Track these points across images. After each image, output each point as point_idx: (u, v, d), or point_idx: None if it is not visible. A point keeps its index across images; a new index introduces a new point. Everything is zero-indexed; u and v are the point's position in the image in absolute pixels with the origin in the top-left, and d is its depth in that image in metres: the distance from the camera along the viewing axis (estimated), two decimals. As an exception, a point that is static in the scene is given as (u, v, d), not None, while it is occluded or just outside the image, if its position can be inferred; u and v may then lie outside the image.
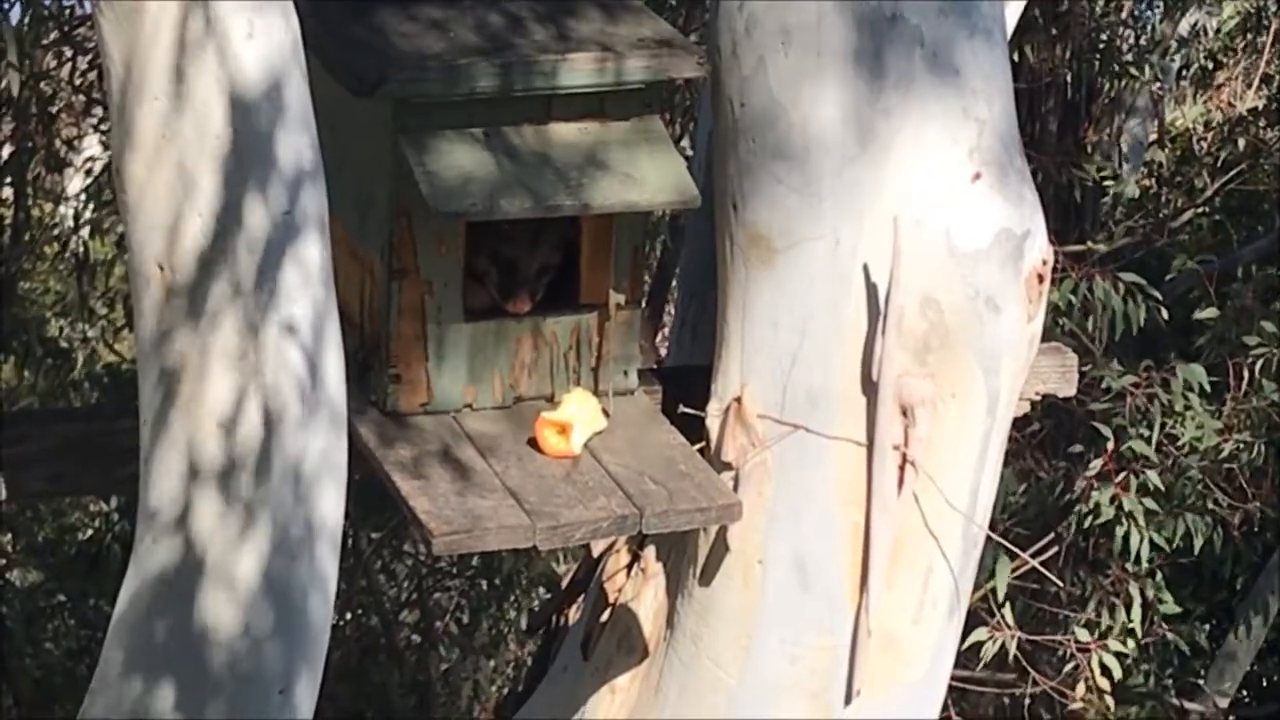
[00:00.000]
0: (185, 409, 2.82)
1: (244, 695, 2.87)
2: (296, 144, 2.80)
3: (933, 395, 3.55)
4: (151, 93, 2.75)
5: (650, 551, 3.89)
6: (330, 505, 2.88)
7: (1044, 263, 3.59)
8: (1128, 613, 6.28)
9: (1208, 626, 7.48)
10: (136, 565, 2.90)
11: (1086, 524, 6.14)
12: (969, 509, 3.64)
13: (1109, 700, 6.20)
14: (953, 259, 3.52)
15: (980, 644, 5.95)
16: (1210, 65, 8.55)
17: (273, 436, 2.81)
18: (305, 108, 2.82)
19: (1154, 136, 8.19)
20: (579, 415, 3.50)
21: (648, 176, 3.47)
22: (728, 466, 3.60)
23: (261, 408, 2.80)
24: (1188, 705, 7.02)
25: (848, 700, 3.64)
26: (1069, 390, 4.05)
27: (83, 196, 7.91)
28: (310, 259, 2.83)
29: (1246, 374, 6.43)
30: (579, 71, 3.41)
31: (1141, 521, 5.99)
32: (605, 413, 3.55)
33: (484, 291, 3.56)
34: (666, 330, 7.76)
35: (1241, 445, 6.30)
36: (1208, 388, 6.12)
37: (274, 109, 2.76)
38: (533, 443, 3.50)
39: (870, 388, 3.53)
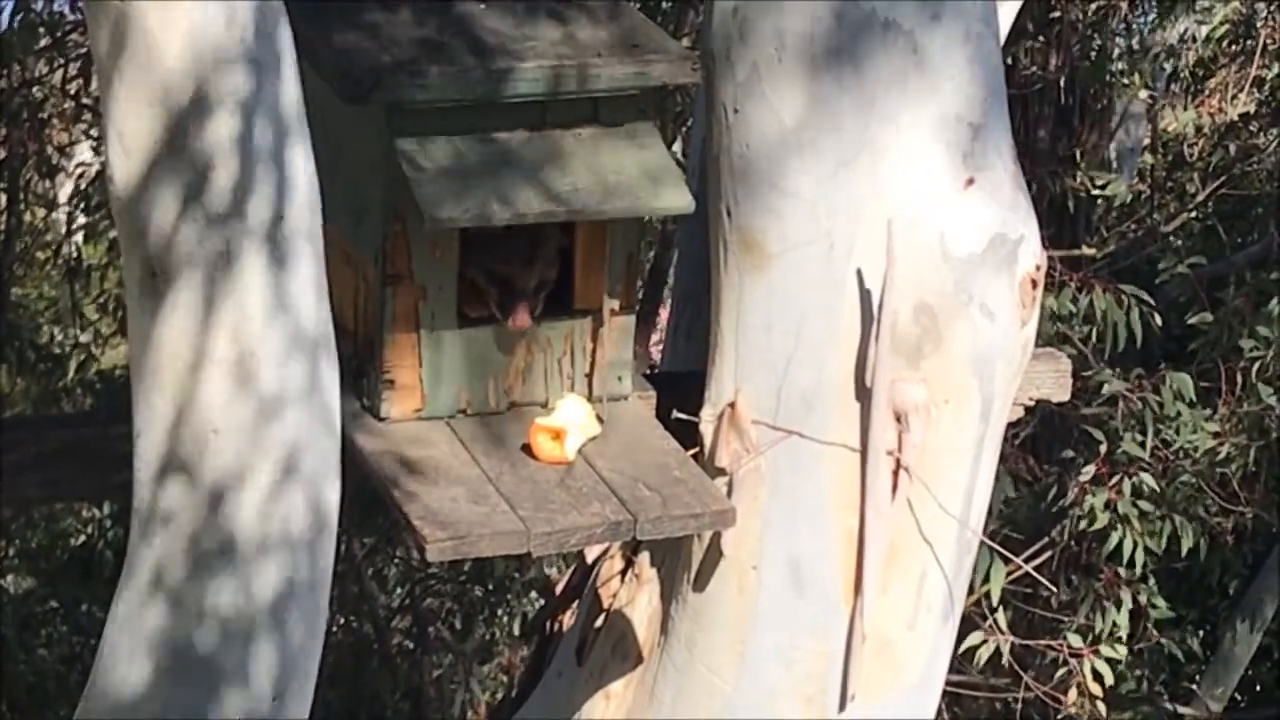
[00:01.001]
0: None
1: (231, 704, 2.87)
2: (286, 150, 2.80)
3: (926, 401, 3.55)
4: (142, 98, 2.75)
5: (644, 557, 3.89)
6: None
7: (1037, 268, 3.59)
8: (1118, 610, 6.28)
9: (1201, 633, 7.49)
10: (129, 572, 2.90)
11: (1080, 527, 6.15)
12: (963, 514, 3.64)
13: (1101, 707, 6.20)
14: (946, 264, 3.52)
15: (974, 648, 5.96)
16: (1200, 73, 8.56)
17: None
18: (292, 111, 2.81)
19: (1147, 142, 8.19)
20: (573, 421, 3.50)
21: (641, 182, 3.47)
22: (722, 472, 3.60)
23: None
24: (1181, 710, 7.02)
25: (842, 705, 3.64)
26: (1063, 395, 4.05)
27: (74, 202, 7.91)
28: (298, 266, 2.83)
29: (1240, 378, 6.44)
30: (573, 77, 3.41)
31: (1136, 525, 5.99)
32: (599, 419, 3.55)
33: (483, 304, 3.56)
34: (659, 335, 7.77)
35: (1235, 450, 6.31)
36: (1194, 397, 6.13)
37: (257, 112, 2.76)
38: (527, 449, 3.50)
39: (864, 393, 3.54)
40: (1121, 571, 6.40)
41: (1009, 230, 3.54)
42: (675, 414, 3.66)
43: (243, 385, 2.79)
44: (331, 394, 2.92)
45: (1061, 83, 7.67)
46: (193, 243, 2.77)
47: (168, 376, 2.80)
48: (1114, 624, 6.24)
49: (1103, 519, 6.03)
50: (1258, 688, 7.76)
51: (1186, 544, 6.15)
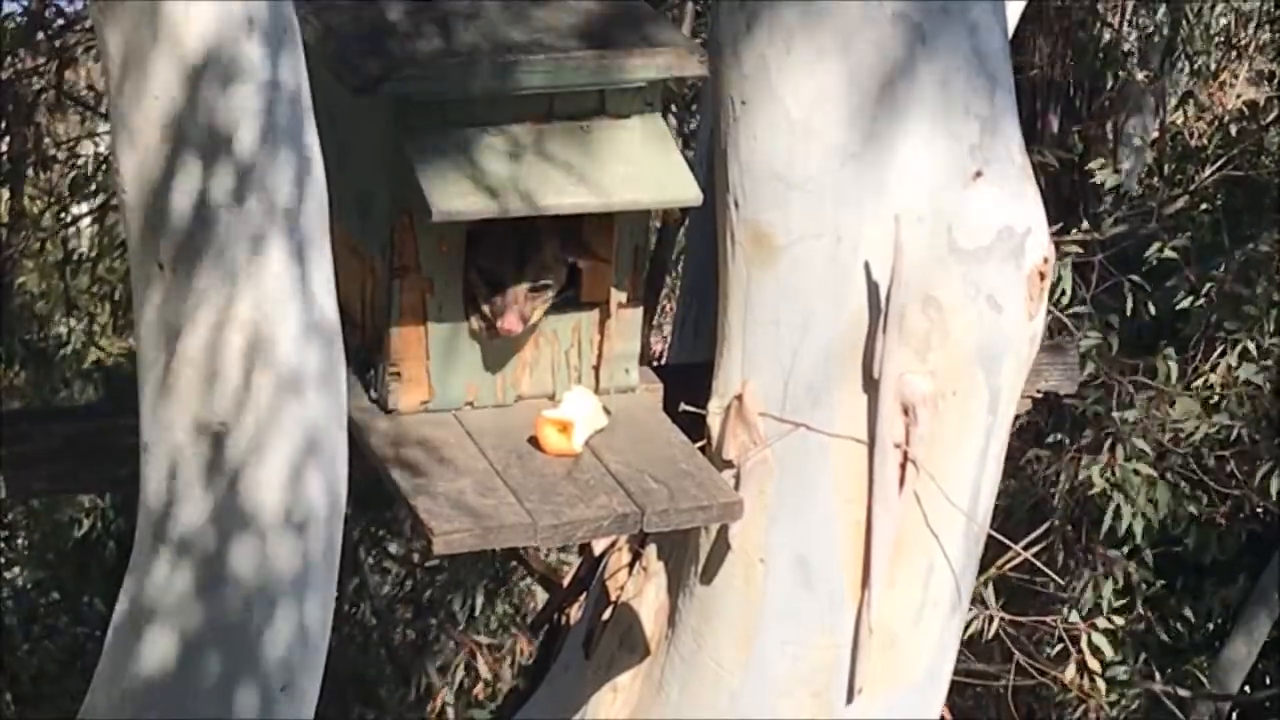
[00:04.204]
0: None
1: (242, 694, 2.87)
2: (297, 144, 2.80)
3: (934, 393, 3.55)
4: (150, 91, 2.75)
5: (651, 550, 3.89)
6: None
7: (1045, 260, 3.59)
8: (1116, 593, 6.31)
9: (1210, 626, 7.50)
10: (136, 562, 2.90)
11: (1076, 498, 6.18)
12: (970, 507, 3.64)
13: (1101, 684, 6.23)
14: (954, 256, 3.52)
15: (976, 635, 5.99)
16: (1203, 58, 8.54)
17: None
18: (303, 107, 2.81)
19: (1154, 136, 8.18)
20: (580, 413, 3.50)
21: (649, 175, 3.46)
22: (729, 464, 3.60)
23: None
24: (1183, 693, 7.04)
25: (849, 698, 3.64)
26: (1071, 387, 4.06)
27: (71, 194, 7.92)
28: (312, 255, 2.83)
29: (1234, 356, 6.47)
30: (581, 70, 3.41)
31: (1136, 493, 6.01)
32: (606, 411, 3.55)
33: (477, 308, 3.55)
34: (664, 327, 7.76)
35: (1219, 429, 6.35)
36: (1173, 375, 6.17)
37: (268, 109, 2.76)
38: (534, 441, 3.50)
39: (871, 386, 3.53)
40: (1121, 554, 6.42)
41: (1017, 223, 3.54)
42: (683, 406, 3.66)
43: (259, 372, 2.79)
44: (341, 383, 2.92)
45: (1070, 73, 7.68)
46: (203, 234, 2.76)
47: (181, 362, 2.80)
48: (1107, 597, 6.27)
49: (1100, 484, 6.06)
50: (1267, 680, 7.77)
51: (1164, 505, 6.15)
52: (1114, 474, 6.09)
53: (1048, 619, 6.29)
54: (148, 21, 2.72)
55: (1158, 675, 6.97)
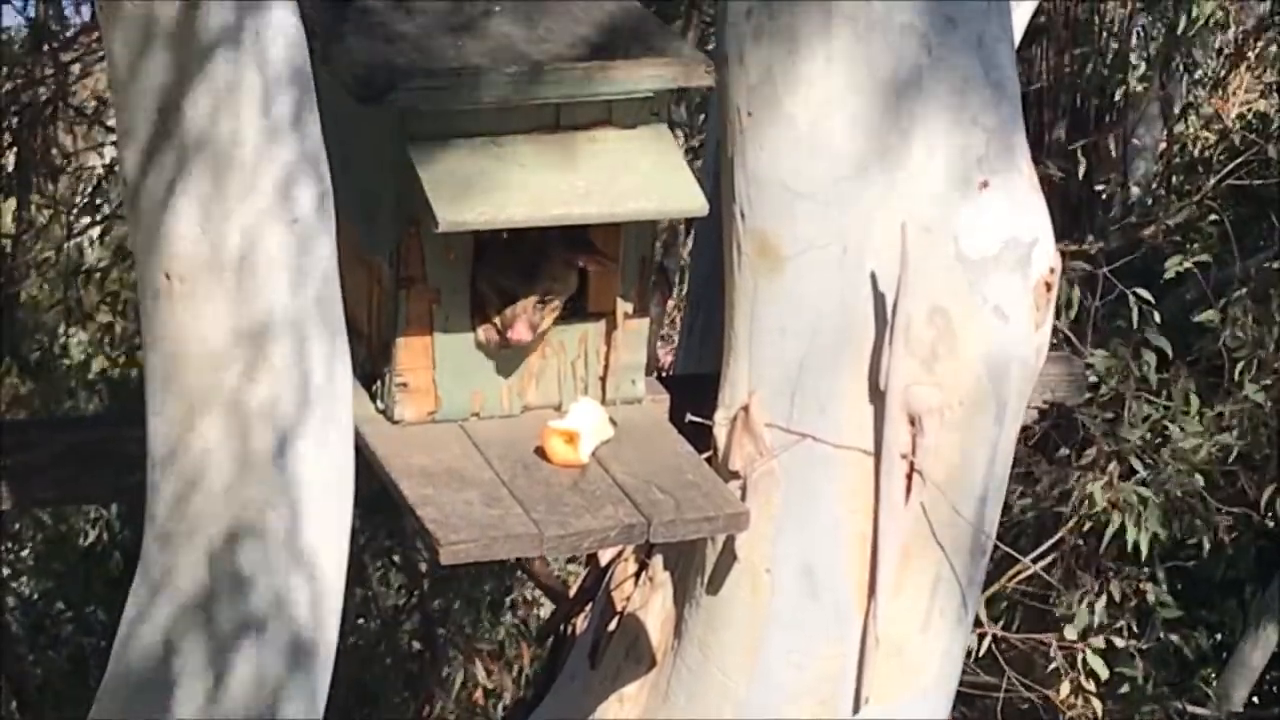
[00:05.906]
0: (176, 413, 2.82)
1: (249, 700, 2.87)
2: (301, 153, 2.80)
3: (940, 404, 3.54)
4: (156, 100, 2.75)
5: (658, 560, 3.89)
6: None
7: (1051, 271, 3.59)
8: (1118, 609, 6.30)
9: (1219, 636, 7.49)
10: (143, 572, 2.90)
11: (1081, 516, 6.17)
12: (976, 517, 3.64)
13: (1095, 703, 6.22)
14: (961, 267, 3.52)
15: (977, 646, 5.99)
16: (1208, 66, 8.54)
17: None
18: (306, 114, 2.82)
19: (1162, 146, 8.18)
20: (586, 424, 3.50)
21: (655, 185, 3.46)
22: (735, 475, 3.60)
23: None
24: (1194, 710, 7.03)
25: (856, 708, 3.64)
26: (1077, 399, 4.06)
27: (80, 202, 7.93)
28: (313, 268, 2.83)
29: (1238, 374, 6.47)
30: (587, 80, 3.41)
31: (1134, 503, 6.01)
32: (613, 421, 3.55)
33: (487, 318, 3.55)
34: (671, 338, 7.75)
35: (1219, 449, 6.34)
36: (1192, 401, 6.16)
37: (274, 115, 2.76)
38: (540, 451, 3.49)
39: (878, 396, 3.53)
40: (1126, 568, 6.41)
41: (1024, 233, 3.54)
42: (689, 417, 3.66)
43: (259, 385, 2.79)
44: (344, 395, 2.92)
45: (1075, 84, 7.67)
46: (207, 244, 2.77)
47: (183, 378, 2.80)
48: (1099, 612, 6.26)
49: (1102, 501, 6.05)
50: (1276, 689, 7.77)
51: (1171, 522, 6.14)
52: (1115, 491, 6.09)
53: (1043, 637, 6.28)
54: (148, 33, 2.72)
55: (1166, 689, 6.96)
